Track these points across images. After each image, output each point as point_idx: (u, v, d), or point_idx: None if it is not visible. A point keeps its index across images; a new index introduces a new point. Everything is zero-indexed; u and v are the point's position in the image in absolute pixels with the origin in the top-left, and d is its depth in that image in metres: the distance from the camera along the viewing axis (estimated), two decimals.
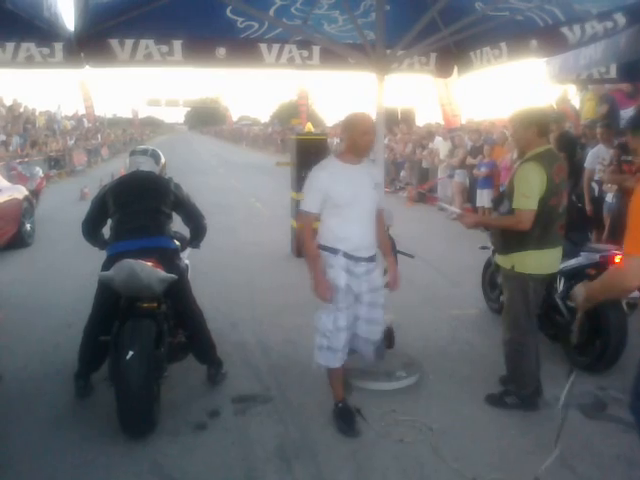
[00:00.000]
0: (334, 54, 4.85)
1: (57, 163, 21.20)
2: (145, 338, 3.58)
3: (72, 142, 25.03)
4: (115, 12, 4.18)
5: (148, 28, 4.42)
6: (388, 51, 4.48)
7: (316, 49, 4.94)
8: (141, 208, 4.04)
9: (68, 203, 13.72)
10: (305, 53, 4.94)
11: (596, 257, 4.48)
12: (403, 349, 4.84)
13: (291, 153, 9.08)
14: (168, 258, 3.97)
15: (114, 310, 3.85)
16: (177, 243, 4.29)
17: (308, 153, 8.32)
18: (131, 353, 3.46)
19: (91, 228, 4.22)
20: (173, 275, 3.80)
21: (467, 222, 4.10)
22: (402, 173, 16.77)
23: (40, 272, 7.69)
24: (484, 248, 5.82)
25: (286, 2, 4.59)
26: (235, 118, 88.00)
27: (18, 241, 8.99)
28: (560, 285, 4.74)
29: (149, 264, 3.66)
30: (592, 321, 4.38)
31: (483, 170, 11.31)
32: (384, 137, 5.45)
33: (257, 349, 5.04)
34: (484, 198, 11.21)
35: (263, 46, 4.85)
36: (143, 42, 4.46)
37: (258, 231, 10.47)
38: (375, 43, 4.39)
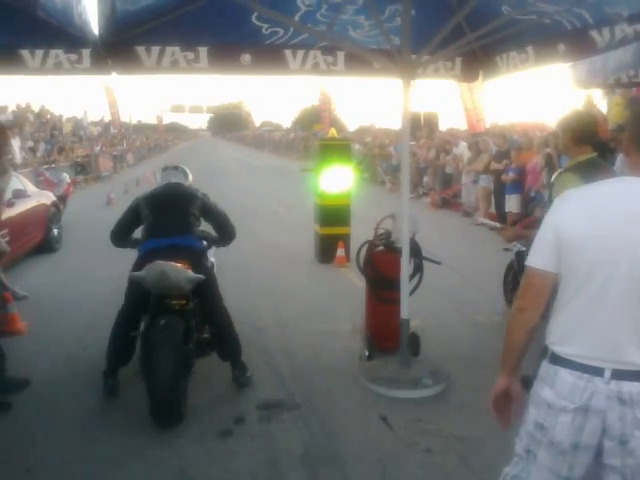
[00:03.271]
0: (359, 60, 4.83)
1: (83, 169, 21.48)
2: (174, 334, 3.75)
3: (98, 148, 25.38)
4: (142, 19, 4.21)
5: (174, 35, 4.45)
6: (414, 56, 4.45)
7: (341, 55, 4.93)
8: (172, 210, 4.30)
9: (95, 208, 13.88)
10: (330, 59, 4.93)
11: None
12: (429, 356, 4.79)
13: (314, 158, 9.08)
14: (196, 258, 4.16)
15: (144, 306, 4.02)
16: (205, 243, 4.48)
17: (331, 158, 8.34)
18: (161, 348, 3.63)
19: (122, 236, 4.46)
20: (201, 275, 3.98)
21: (507, 236, 4.10)
22: (425, 178, 16.67)
23: (67, 277, 7.77)
24: (507, 250, 5.75)
25: (312, 8, 4.57)
26: (257, 123, 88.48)
27: (46, 246, 9.07)
28: None
29: (179, 265, 3.84)
30: None
31: (511, 175, 11.16)
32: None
33: (281, 354, 5.03)
34: (512, 203, 11.05)
35: (288, 52, 4.85)
36: (169, 49, 4.50)
37: (282, 236, 10.47)
38: (401, 48, 4.37)
